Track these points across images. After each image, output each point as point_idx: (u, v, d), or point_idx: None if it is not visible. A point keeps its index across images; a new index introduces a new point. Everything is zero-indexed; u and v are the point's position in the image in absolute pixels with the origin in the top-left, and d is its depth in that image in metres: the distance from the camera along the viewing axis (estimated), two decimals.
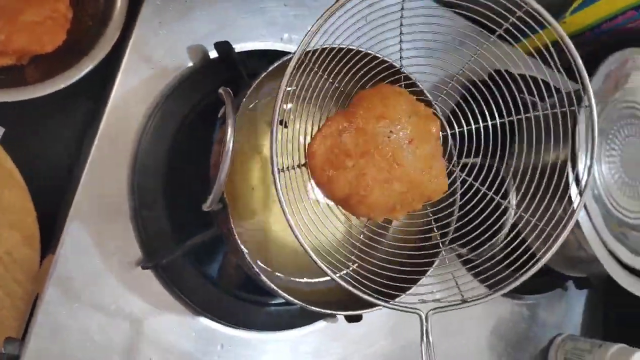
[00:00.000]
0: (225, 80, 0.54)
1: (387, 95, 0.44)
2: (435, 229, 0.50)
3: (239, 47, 0.60)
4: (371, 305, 0.45)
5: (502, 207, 0.47)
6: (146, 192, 0.54)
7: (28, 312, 0.53)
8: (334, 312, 0.50)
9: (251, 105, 0.46)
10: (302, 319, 0.61)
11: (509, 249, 0.46)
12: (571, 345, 0.75)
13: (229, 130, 0.38)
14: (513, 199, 0.47)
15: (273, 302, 0.60)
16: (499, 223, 0.46)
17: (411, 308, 0.42)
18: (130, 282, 0.53)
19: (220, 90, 0.42)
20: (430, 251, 0.50)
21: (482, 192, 0.48)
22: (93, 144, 0.53)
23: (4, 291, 0.54)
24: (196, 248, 0.54)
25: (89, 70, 0.52)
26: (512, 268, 0.44)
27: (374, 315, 0.66)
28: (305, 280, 0.56)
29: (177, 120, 0.56)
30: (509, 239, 0.47)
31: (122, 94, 0.55)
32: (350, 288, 0.41)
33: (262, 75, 0.45)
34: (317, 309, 0.49)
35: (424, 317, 0.42)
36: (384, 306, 0.43)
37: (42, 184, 0.57)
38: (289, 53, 0.49)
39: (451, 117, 0.50)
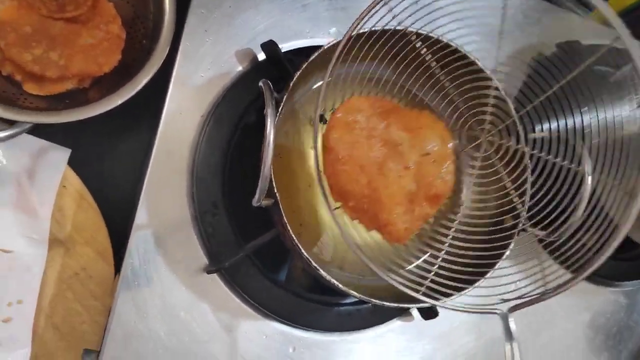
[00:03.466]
0: (274, 80, 0.54)
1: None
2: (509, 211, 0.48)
3: (286, 47, 0.59)
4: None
5: (578, 176, 0.43)
6: (206, 197, 0.54)
7: (105, 324, 0.55)
8: (405, 305, 0.47)
9: (298, 99, 0.46)
10: (375, 318, 0.58)
11: (590, 224, 0.42)
12: None
13: (268, 121, 0.37)
14: (588, 166, 0.43)
15: (343, 302, 0.58)
16: (576, 194, 0.42)
17: (489, 309, 0.40)
18: (197, 288, 0.54)
19: (260, 83, 0.41)
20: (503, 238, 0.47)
21: (554, 163, 0.45)
22: (150, 156, 0.54)
23: (82, 306, 0.56)
24: (260, 250, 0.53)
25: (142, 86, 0.53)
26: (596, 245, 0.40)
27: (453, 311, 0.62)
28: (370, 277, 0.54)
29: (231, 124, 0.56)
30: (588, 212, 0.43)
31: (175, 105, 0.56)
32: (430, 300, 0.42)
33: (304, 66, 0.43)
34: (387, 304, 0.46)
35: (504, 316, 0.40)
36: (460, 310, 0.41)
37: (111, 200, 0.59)
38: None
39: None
